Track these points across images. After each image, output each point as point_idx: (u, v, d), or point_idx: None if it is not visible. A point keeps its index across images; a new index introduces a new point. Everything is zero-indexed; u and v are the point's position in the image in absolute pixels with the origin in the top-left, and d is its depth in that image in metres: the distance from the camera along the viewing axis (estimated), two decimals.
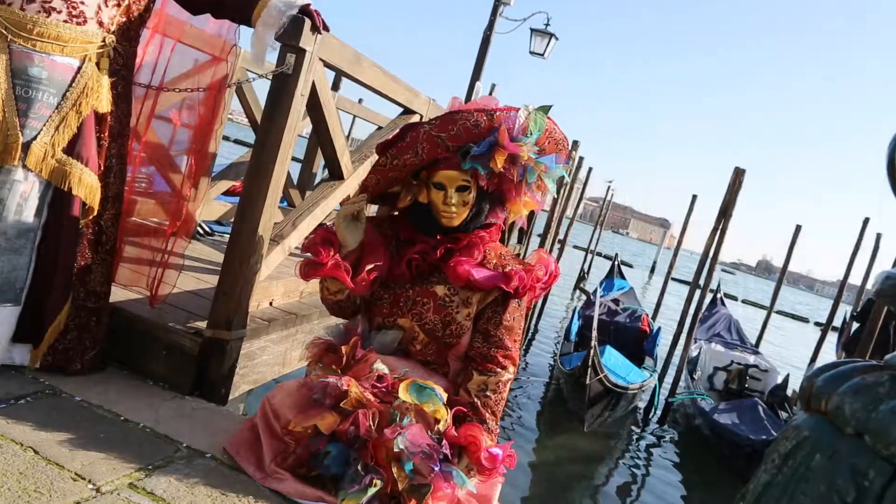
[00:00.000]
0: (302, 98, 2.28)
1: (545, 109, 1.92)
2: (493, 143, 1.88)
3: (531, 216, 10.03)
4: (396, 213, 2.14)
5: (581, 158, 13.91)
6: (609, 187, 28.78)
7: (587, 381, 7.02)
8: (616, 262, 15.16)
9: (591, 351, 6.97)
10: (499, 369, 1.99)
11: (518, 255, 2.32)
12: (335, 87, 7.34)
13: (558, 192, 11.06)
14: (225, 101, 2.35)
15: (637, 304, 12.64)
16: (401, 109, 3.46)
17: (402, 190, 2.04)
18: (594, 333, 7.02)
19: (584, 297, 14.18)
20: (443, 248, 2.00)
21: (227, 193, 4.50)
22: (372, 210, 3.54)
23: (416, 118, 3.42)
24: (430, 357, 2.02)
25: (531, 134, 1.91)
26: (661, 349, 10.16)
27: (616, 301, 12.30)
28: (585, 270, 17.82)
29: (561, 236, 14.80)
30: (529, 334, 11.92)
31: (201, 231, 4.02)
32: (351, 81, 2.85)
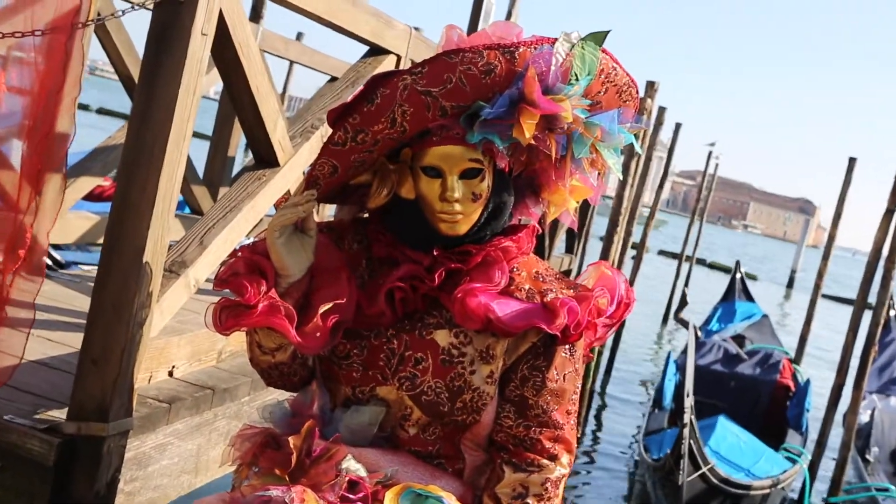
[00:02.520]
0: (204, 38, 2.29)
1: (598, 38, 1.93)
2: (515, 98, 1.90)
3: (585, 210, 10.03)
4: (366, 215, 2.17)
5: (661, 110, 13.91)
6: (711, 154, 28.81)
7: (681, 480, 6.93)
8: (738, 276, 15.15)
9: (686, 428, 6.88)
10: (545, 461, 2.00)
11: (568, 273, 2.33)
12: (256, 16, 7.38)
13: (627, 172, 11.02)
14: (82, 49, 2.36)
15: (774, 342, 12.62)
16: (365, 49, 3.47)
17: (374, 180, 2.06)
18: (688, 399, 6.86)
19: (686, 335, 14.15)
20: (443, 269, 2.01)
21: (92, 198, 4.51)
22: (328, 214, 3.55)
23: (389, 63, 3.42)
24: (433, 446, 2.03)
25: (577, 80, 1.92)
26: (814, 413, 10.09)
27: (740, 339, 12.25)
28: (685, 290, 17.87)
29: (637, 237, 14.78)
30: (593, 400, 11.89)
31: (52, 262, 4.02)
32: (281, 7, 2.87)
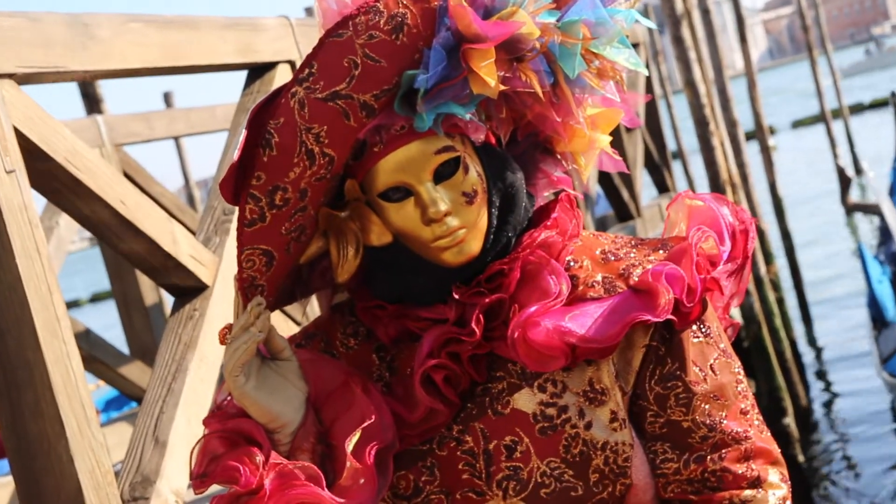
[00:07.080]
0: (12, 177, 2.22)
1: None
2: (451, 42, 1.83)
3: (657, 131, 9.90)
4: (349, 294, 2.08)
5: None
6: None
7: None
8: None
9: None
10: (748, 492, 1.89)
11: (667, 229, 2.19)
12: (94, 106, 7.59)
13: (680, 41, 10.87)
14: None
15: None
16: (245, 74, 3.45)
17: (331, 245, 1.98)
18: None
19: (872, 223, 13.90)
20: (478, 312, 1.90)
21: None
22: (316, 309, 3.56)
23: (282, 76, 3.37)
24: None
25: None
26: None
27: None
28: (856, 159, 17.15)
29: (748, 126, 14.53)
30: (805, 366, 11.71)
31: None
32: (115, 79, 2.74)
